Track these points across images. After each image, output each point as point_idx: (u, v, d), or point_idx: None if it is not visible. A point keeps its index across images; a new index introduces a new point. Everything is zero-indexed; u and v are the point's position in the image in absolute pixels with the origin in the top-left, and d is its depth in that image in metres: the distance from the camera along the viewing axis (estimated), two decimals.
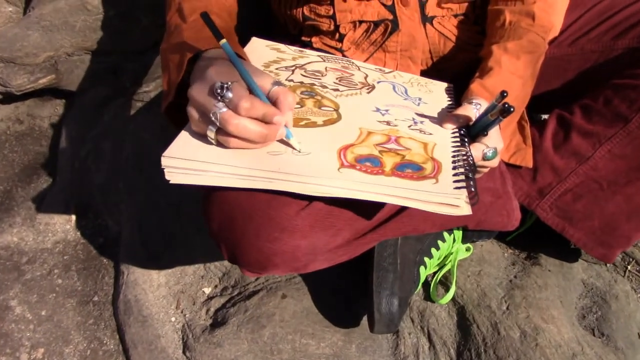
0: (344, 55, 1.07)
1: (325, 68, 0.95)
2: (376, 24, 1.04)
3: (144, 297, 1.09)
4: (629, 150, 0.96)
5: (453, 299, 1.01)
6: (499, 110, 0.76)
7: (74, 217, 1.28)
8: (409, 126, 0.81)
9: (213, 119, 0.66)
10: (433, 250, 0.98)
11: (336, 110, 0.81)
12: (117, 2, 1.31)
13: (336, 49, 1.08)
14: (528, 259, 1.09)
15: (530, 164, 1.00)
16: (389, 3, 1.04)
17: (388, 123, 0.81)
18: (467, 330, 0.97)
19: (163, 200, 1.17)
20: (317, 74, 0.92)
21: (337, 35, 1.07)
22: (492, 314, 0.96)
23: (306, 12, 1.07)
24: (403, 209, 0.83)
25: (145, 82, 1.32)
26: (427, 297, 1.03)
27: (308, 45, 1.10)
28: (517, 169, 1.05)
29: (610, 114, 0.97)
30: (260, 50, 0.97)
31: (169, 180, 0.68)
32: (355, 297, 1.04)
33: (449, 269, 1.02)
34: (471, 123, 0.84)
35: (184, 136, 0.71)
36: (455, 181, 0.68)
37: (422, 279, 0.97)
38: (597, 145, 0.99)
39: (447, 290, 1.02)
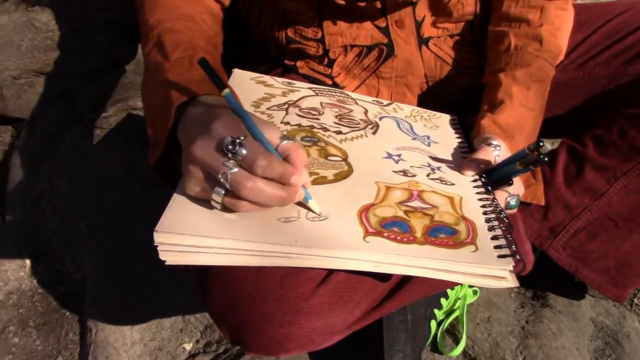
0: (333, 82, 0.97)
1: (321, 104, 0.85)
2: (369, 48, 0.95)
3: (116, 357, 0.96)
4: None
5: (463, 351, 0.93)
6: (532, 161, 0.68)
7: (28, 262, 1.14)
8: (427, 175, 0.72)
9: (222, 180, 0.54)
10: (442, 300, 0.90)
11: (345, 160, 0.71)
12: (69, 17, 1.16)
13: (325, 74, 0.98)
14: (536, 299, 1.02)
15: (542, 201, 0.93)
16: (383, 25, 0.95)
17: (405, 173, 0.71)
18: None
19: (131, 243, 1.05)
20: (313, 112, 0.82)
21: (325, 60, 0.97)
22: None
23: (290, 34, 0.96)
24: None
25: (105, 106, 1.19)
26: (434, 348, 0.94)
27: (292, 70, 0.99)
28: (527, 206, 0.98)
29: (627, 147, 0.91)
30: (245, 85, 0.86)
31: (164, 261, 0.56)
32: (359, 355, 0.95)
33: (457, 317, 0.94)
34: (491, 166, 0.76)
35: (177, 203, 0.59)
36: (496, 246, 0.60)
37: (433, 332, 0.89)
38: (613, 180, 0.92)
39: (455, 340, 0.94)
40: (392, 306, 0.74)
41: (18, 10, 1.17)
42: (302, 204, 0.60)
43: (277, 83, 0.89)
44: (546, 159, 0.66)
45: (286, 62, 1.00)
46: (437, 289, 0.80)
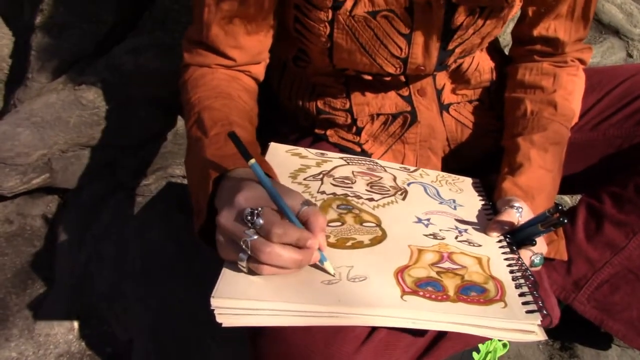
0: (362, 149, 1.04)
1: (353, 173, 0.92)
2: (394, 116, 1.03)
3: None
4: None
5: None
6: (553, 223, 0.74)
7: (76, 325, 1.20)
8: (456, 237, 0.78)
9: (244, 246, 0.61)
10: (474, 354, 0.94)
11: (379, 225, 0.78)
12: (113, 95, 1.26)
13: (353, 142, 1.05)
14: (564, 350, 1.06)
15: (565, 257, 0.98)
16: (406, 94, 1.02)
17: (435, 236, 0.77)
18: None
19: (175, 305, 1.11)
20: (346, 181, 0.89)
21: (354, 129, 1.04)
22: None
23: (320, 106, 1.04)
24: None
25: (145, 175, 1.27)
26: None
27: (323, 139, 1.07)
28: (550, 261, 1.03)
29: None
30: (281, 157, 0.94)
31: (221, 324, 0.62)
32: None
33: None
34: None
35: (228, 271, 0.65)
36: (524, 303, 0.66)
37: None
38: (631, 235, 0.98)
39: None
40: None
41: (65, 89, 1.27)
42: (317, 266, 0.66)
43: (310, 154, 0.96)
44: (565, 220, 0.72)
45: (316, 131, 1.07)
46: (470, 344, 0.85)
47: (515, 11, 0.94)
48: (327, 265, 0.65)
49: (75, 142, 1.25)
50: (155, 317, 1.11)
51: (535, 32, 1.01)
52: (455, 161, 1.10)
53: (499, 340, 1.01)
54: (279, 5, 0.90)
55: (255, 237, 0.61)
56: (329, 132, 1.06)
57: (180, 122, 1.31)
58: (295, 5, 0.89)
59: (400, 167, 0.99)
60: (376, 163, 0.99)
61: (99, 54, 1.32)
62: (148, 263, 1.16)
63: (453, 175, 1.00)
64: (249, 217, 0.61)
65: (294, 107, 1.09)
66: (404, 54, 0.90)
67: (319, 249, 0.64)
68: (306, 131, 1.10)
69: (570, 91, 1.01)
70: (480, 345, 0.96)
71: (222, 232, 0.64)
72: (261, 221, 0.60)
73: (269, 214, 0.61)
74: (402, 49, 0.90)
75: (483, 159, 1.12)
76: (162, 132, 1.31)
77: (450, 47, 0.92)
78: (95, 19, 1.30)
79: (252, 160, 0.67)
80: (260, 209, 0.61)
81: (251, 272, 0.63)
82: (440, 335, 0.78)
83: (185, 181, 1.29)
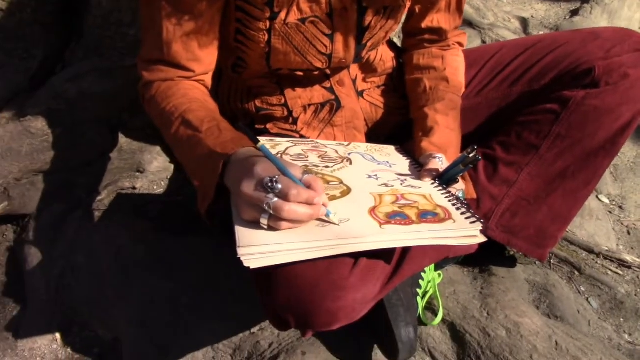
0: (301, 136, 1.24)
1: (302, 150, 1.12)
2: (322, 105, 1.24)
3: None
4: (543, 169, 1.23)
5: (442, 319, 1.20)
6: (470, 161, 0.98)
7: (58, 335, 1.29)
8: (401, 184, 1.01)
9: (266, 208, 0.79)
10: (420, 280, 1.17)
11: (342, 182, 0.98)
12: (60, 121, 1.36)
13: (292, 131, 1.25)
14: (483, 272, 1.33)
15: (474, 195, 1.24)
16: (328, 86, 1.24)
17: (386, 185, 0.99)
18: (462, 340, 1.17)
19: (154, 295, 1.24)
20: (301, 156, 1.08)
21: (290, 120, 1.24)
22: (478, 321, 1.18)
23: (258, 104, 1.24)
24: (406, 252, 1.00)
25: (98, 192, 1.38)
26: (419, 322, 1.21)
27: (265, 132, 1.26)
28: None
29: (524, 145, 1.24)
30: None
31: (248, 267, 0.79)
32: (364, 339, 1.19)
33: (432, 294, 1.22)
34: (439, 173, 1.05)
35: (241, 229, 0.83)
36: (466, 218, 0.88)
37: (419, 306, 1.16)
38: (519, 171, 1.24)
39: (434, 312, 1.21)
40: (397, 280, 1.00)
41: (10, 122, 1.35)
42: (323, 220, 0.85)
43: (263, 140, 1.15)
44: (479, 157, 0.96)
45: (256, 126, 1.26)
46: (423, 266, 1.07)
47: (405, 10, 1.19)
48: (332, 217, 0.83)
49: (29, 169, 1.35)
50: (139, 311, 1.24)
51: (423, 25, 1.26)
52: (374, 135, 1.33)
53: (435, 270, 1.25)
54: (222, 20, 1.08)
55: (275, 199, 0.79)
56: (268, 126, 1.25)
57: (123, 139, 1.44)
58: (237, 19, 1.07)
59: (337, 144, 1.20)
60: (316, 142, 1.19)
61: (34, 88, 1.42)
62: (121, 264, 1.28)
63: (378, 145, 1.23)
64: (269, 184, 0.78)
65: (232, 108, 1.27)
66: (329, 50, 1.12)
67: (323, 205, 0.84)
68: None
69: (456, 68, 1.28)
70: (423, 275, 1.19)
71: (243, 199, 0.81)
72: (280, 186, 0.78)
73: (285, 180, 0.79)
74: (327, 47, 1.11)
75: (394, 131, 1.36)
76: (109, 150, 1.43)
77: (364, 41, 1.15)
78: (26, 54, 1.40)
79: (261, 142, 0.85)
80: (276, 176, 0.80)
81: (271, 228, 0.81)
82: (401, 261, 1.00)
83: (135, 191, 1.41)
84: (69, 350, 1.28)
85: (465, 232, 0.86)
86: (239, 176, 0.84)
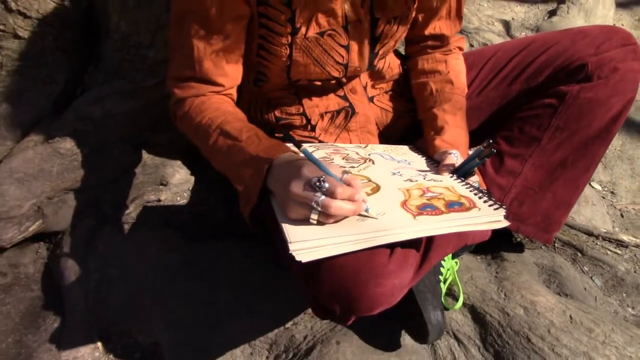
0: (319, 141, 1.33)
1: (326, 153, 1.21)
2: (338, 112, 1.33)
3: None
4: (545, 160, 1.33)
5: (463, 303, 1.30)
6: (486, 154, 1.08)
7: (99, 343, 1.36)
8: (424, 178, 1.10)
9: (315, 205, 0.88)
10: (441, 268, 1.27)
11: (370, 180, 1.07)
12: (87, 141, 1.44)
13: (310, 137, 1.33)
14: (495, 258, 1.43)
15: (484, 187, 1.34)
16: (342, 94, 1.33)
17: (411, 180, 1.08)
18: (483, 321, 1.26)
19: (190, 298, 1.32)
20: (326, 159, 1.17)
21: (309, 127, 1.33)
22: (497, 302, 1.27)
23: (278, 114, 1.32)
24: (432, 241, 1.09)
25: (126, 206, 1.46)
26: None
27: (286, 140, 1.34)
28: None
29: (526, 138, 1.34)
30: None
31: (300, 261, 0.86)
32: (393, 326, 1.28)
33: (452, 281, 1.31)
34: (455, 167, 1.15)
35: (289, 226, 0.91)
36: (489, 205, 0.98)
37: (443, 291, 1.25)
38: (524, 162, 1.34)
39: (454, 298, 1.31)
40: (427, 267, 1.09)
41: (39, 144, 1.42)
42: (362, 215, 0.94)
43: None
44: (494, 150, 1.06)
45: (276, 135, 1.34)
46: (445, 253, 1.16)
47: (411, 18, 1.29)
48: (371, 212, 0.92)
49: (60, 187, 1.42)
50: (176, 314, 1.31)
51: (427, 32, 1.36)
52: (385, 138, 1.43)
53: (453, 259, 1.34)
54: (246, 38, 1.17)
55: (323, 197, 0.87)
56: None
57: (146, 155, 1.52)
58: (260, 36, 1.16)
59: (355, 146, 1.29)
60: (336, 145, 1.28)
61: (57, 111, 1.49)
62: (155, 272, 1.36)
63: (393, 146, 1.33)
64: (317, 183, 0.87)
65: (252, 119, 1.35)
66: (345, 60, 1.21)
67: (363, 201, 0.92)
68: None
69: (458, 71, 1.38)
70: (442, 262, 1.28)
71: (292, 198, 0.89)
72: (327, 185, 0.87)
73: (331, 179, 0.88)
74: (343, 57, 1.20)
75: (404, 133, 1.46)
76: (133, 166, 1.51)
77: (377, 50, 1.25)
78: (49, 79, 1.47)
79: (304, 146, 0.94)
80: (322, 177, 0.88)
81: (319, 224, 0.89)
82: (428, 250, 1.08)
83: (160, 203, 1.49)
84: (111, 356, 1.35)
85: (490, 218, 0.95)
86: (286, 177, 0.92)
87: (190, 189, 1.55)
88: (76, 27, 1.46)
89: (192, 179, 1.56)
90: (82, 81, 1.54)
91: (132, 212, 1.46)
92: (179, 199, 1.52)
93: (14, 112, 1.46)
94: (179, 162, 1.55)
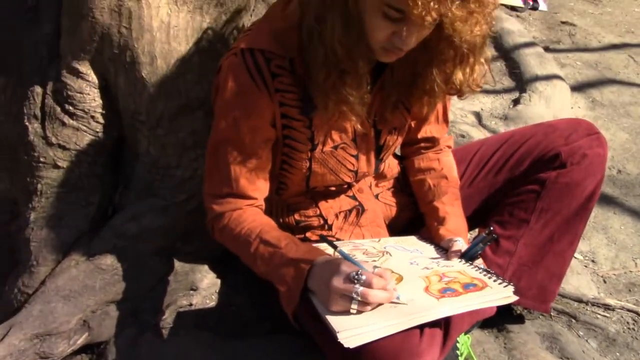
0: (336, 239, 1.50)
1: (348, 250, 1.38)
2: (350, 211, 1.52)
3: None
4: (534, 238, 1.53)
5: None
6: (488, 240, 1.26)
7: None
8: (438, 265, 1.27)
9: (355, 295, 1.04)
10: (457, 344, 1.42)
11: (393, 272, 1.24)
12: (126, 255, 1.59)
13: (328, 236, 1.51)
14: (500, 330, 1.59)
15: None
16: (351, 194, 1.53)
17: (427, 268, 1.26)
18: None
19: None
20: (351, 255, 1.34)
21: (326, 227, 1.51)
22: None
23: (297, 217, 1.51)
24: (450, 320, 1.24)
25: (163, 312, 1.59)
26: None
27: (307, 241, 1.51)
28: None
29: (516, 221, 1.54)
30: None
31: (349, 348, 1.01)
32: None
33: (467, 355, 1.47)
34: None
35: (332, 318, 1.07)
36: (499, 284, 1.15)
37: None
38: (516, 242, 1.54)
39: None
40: (450, 343, 1.23)
41: (81, 262, 1.56)
42: (394, 302, 1.11)
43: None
44: (496, 236, 1.25)
45: (297, 236, 1.52)
46: (462, 330, 1.32)
47: (407, 127, 1.50)
48: (401, 299, 1.09)
49: (103, 301, 1.55)
50: None
51: (419, 136, 1.58)
52: (391, 229, 1.61)
53: (465, 335, 1.50)
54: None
55: (362, 288, 1.04)
56: (307, 234, 1.52)
57: (177, 263, 1.67)
58: (284, 153, 1.36)
59: (369, 241, 1.47)
60: (354, 242, 1.45)
61: (91, 230, 1.64)
62: None
63: (402, 237, 1.51)
64: (356, 276, 1.04)
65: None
66: (355, 167, 1.41)
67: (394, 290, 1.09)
68: None
69: (450, 167, 1.59)
70: (458, 339, 1.44)
71: (334, 292, 1.06)
72: (364, 277, 1.05)
73: (367, 272, 1.06)
74: (354, 165, 1.41)
75: (406, 226, 1.65)
76: (167, 274, 1.65)
77: (381, 156, 1.45)
78: (85, 202, 1.63)
79: (340, 247, 1.11)
80: (359, 271, 1.05)
81: (358, 312, 1.06)
82: (447, 327, 1.23)
83: (192, 307, 1.63)
84: None
85: (502, 294, 1.13)
86: (327, 275, 1.09)
87: (217, 291, 1.69)
88: (108, 154, 1.64)
89: (219, 282, 1.70)
90: (112, 200, 1.71)
91: (167, 317, 1.59)
92: (208, 301, 1.66)
93: (54, 236, 1.60)
94: (206, 267, 1.70)
